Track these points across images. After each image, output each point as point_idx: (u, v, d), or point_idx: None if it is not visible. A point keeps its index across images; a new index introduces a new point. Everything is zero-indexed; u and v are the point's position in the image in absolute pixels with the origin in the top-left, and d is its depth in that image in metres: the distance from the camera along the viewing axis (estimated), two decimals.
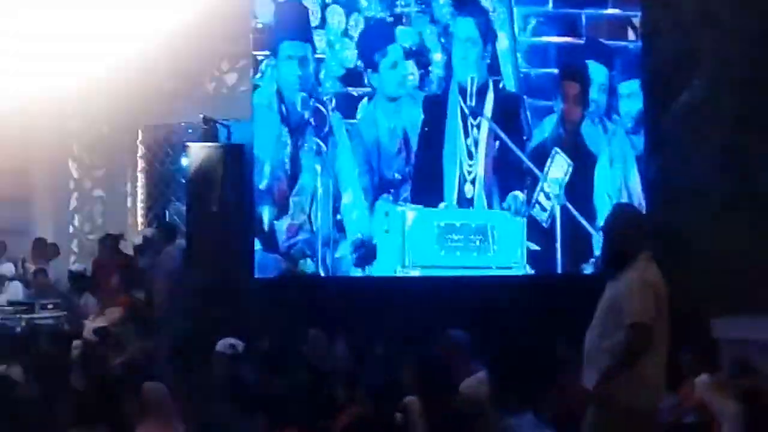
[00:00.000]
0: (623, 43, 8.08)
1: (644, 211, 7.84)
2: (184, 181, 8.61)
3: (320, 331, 6.44)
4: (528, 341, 5.65)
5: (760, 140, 8.09)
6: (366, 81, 7.56)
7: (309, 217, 7.41)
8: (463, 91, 7.68)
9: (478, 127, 7.68)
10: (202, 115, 8.12)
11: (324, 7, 7.54)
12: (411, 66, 7.65)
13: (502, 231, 7.65)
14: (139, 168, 11.06)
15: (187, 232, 8.17)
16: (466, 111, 7.66)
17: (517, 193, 7.75)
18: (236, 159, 7.69)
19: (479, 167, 7.65)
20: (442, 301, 6.98)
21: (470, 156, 7.65)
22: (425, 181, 7.61)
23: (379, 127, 7.58)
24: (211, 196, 7.62)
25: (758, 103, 8.00)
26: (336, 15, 7.56)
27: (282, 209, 7.39)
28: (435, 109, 7.64)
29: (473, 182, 7.65)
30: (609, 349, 4.08)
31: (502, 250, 7.65)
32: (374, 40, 7.60)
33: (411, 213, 7.53)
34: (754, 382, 5.33)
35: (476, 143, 7.66)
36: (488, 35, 7.79)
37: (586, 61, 7.96)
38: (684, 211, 7.96)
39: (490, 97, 7.73)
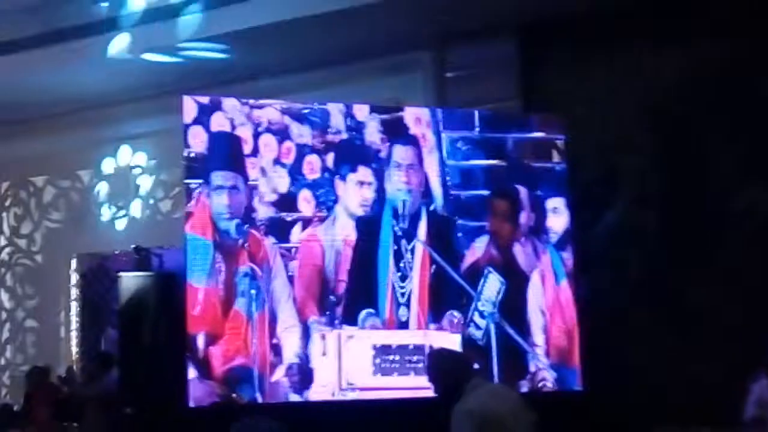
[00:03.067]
0: (549, 165, 8.32)
1: (578, 327, 8.02)
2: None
3: None
4: None
5: (682, 256, 8.36)
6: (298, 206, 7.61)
7: (245, 341, 7.35)
8: (396, 215, 7.81)
9: (412, 251, 7.79)
10: (133, 246, 8.15)
11: (256, 136, 7.66)
12: None
13: None
14: (73, 297, 10.98)
15: (121, 362, 8.06)
16: (399, 233, 7.78)
17: (454, 312, 7.81)
18: (168, 287, 7.68)
19: (414, 289, 7.72)
20: (381, 427, 6.92)
21: (403, 278, 7.73)
22: (359, 303, 7.64)
23: (312, 249, 7.63)
24: (143, 325, 7.58)
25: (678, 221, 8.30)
26: (268, 143, 7.66)
27: (217, 335, 7.32)
28: (368, 230, 7.74)
29: (407, 305, 7.71)
30: None
31: None
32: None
33: (346, 335, 7.52)
34: None
35: (410, 266, 7.76)
36: (420, 161, 7.98)
37: (513, 182, 8.19)
38: (615, 327, 8.11)
39: (424, 220, 7.86)
